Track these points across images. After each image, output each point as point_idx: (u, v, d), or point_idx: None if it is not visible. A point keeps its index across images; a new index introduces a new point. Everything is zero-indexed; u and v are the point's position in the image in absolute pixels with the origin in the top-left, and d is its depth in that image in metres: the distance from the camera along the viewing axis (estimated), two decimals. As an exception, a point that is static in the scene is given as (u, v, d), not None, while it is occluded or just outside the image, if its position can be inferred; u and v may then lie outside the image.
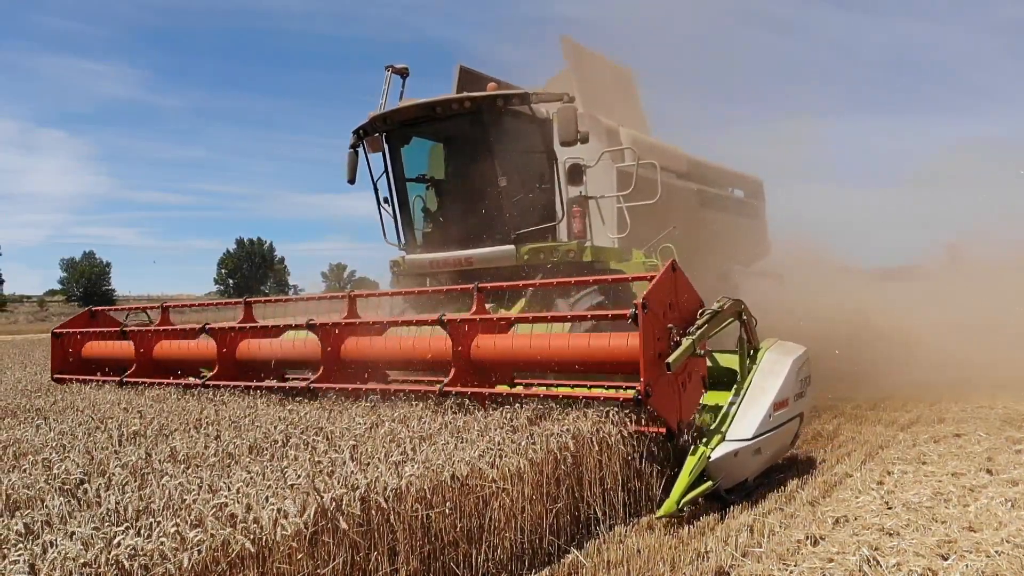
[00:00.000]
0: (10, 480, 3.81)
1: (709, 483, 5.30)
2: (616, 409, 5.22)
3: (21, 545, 2.82)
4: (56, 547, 2.75)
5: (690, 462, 5.27)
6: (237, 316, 7.94)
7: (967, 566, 4.14)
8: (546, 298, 8.25)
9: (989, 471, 6.29)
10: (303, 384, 6.70)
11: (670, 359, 5.11)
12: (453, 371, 6.03)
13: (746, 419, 5.60)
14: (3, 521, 3.16)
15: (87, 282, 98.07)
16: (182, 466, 4.18)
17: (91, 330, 8.98)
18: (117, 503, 3.35)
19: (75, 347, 8.99)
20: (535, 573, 4.22)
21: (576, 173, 8.91)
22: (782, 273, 14.19)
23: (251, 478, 3.72)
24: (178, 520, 3.06)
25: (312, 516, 3.29)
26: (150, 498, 3.42)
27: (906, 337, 12.14)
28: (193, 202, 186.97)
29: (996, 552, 4.31)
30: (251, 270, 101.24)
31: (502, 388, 6.09)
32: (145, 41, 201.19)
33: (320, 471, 3.80)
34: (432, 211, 9.65)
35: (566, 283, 6.70)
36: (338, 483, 3.57)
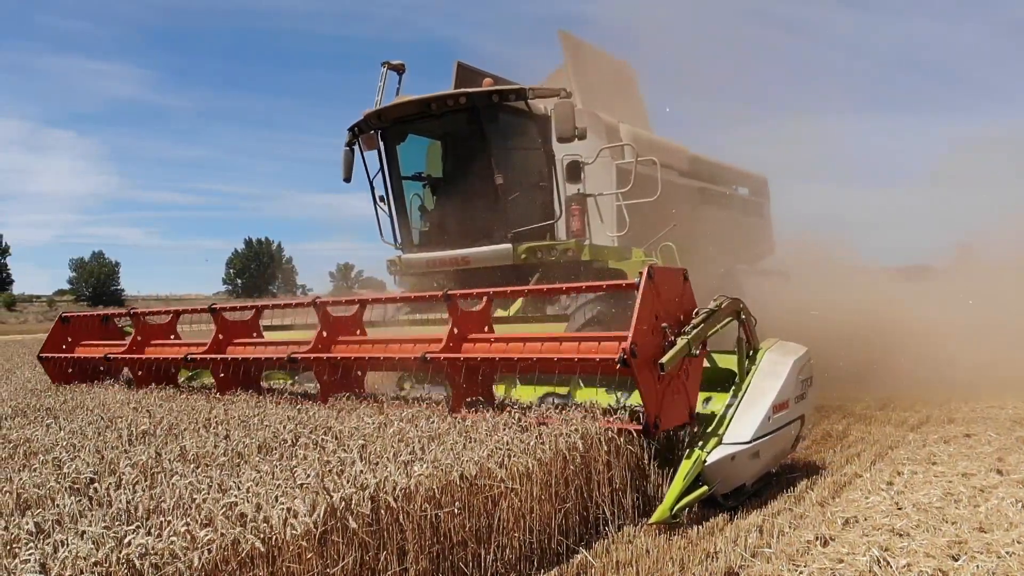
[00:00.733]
0: (21, 479, 3.83)
1: (704, 488, 5.11)
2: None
3: (32, 544, 2.83)
4: (67, 546, 2.76)
5: (685, 466, 5.09)
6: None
7: (978, 567, 4.12)
8: (542, 299, 8.11)
9: (999, 471, 6.27)
10: (286, 354, 6.67)
11: (664, 359, 4.93)
12: (444, 342, 5.96)
13: (744, 422, 5.41)
14: (14, 520, 3.17)
15: (96, 282, 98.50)
16: (192, 465, 4.19)
17: (73, 356, 8.87)
18: (127, 502, 3.36)
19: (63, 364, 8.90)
20: (544, 573, 4.21)
21: (574, 170, 8.76)
22: (787, 272, 14.07)
23: (261, 477, 3.73)
24: (188, 519, 3.07)
25: (321, 515, 3.29)
26: (160, 497, 3.43)
27: (914, 337, 12.08)
28: (201, 202, 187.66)
29: (1007, 553, 4.28)
30: (259, 270, 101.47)
31: (483, 348, 6.03)
32: (152, 41, 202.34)
33: (329, 470, 3.81)
34: (428, 210, 9.54)
35: (556, 290, 6.42)
36: (347, 483, 3.57)
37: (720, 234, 11.79)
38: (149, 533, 2.93)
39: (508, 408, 5.56)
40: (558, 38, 11.02)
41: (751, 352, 5.93)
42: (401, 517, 3.62)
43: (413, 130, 9.34)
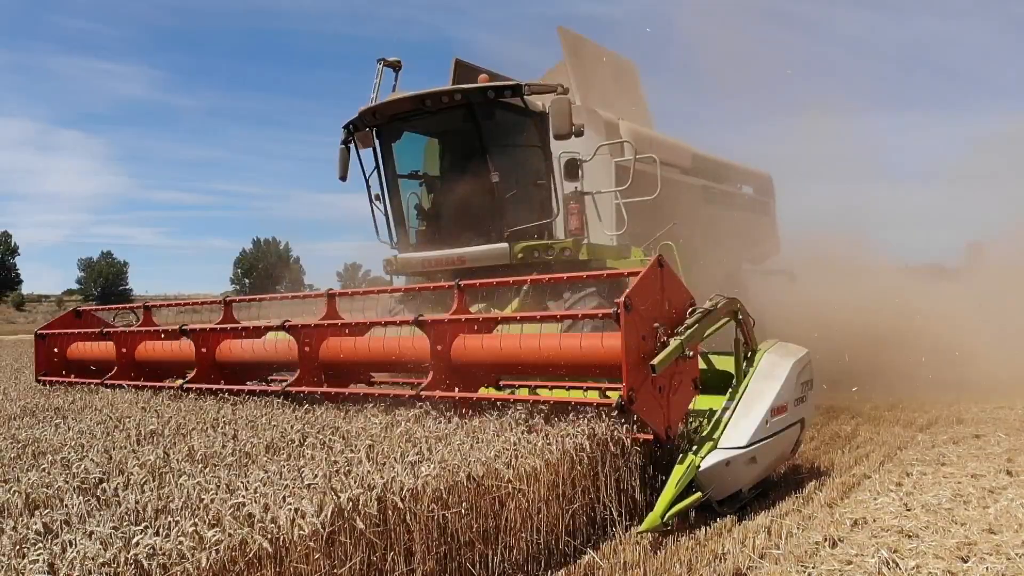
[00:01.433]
0: (29, 479, 3.83)
1: (698, 495, 4.95)
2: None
3: (41, 544, 2.84)
4: (75, 546, 2.77)
5: (677, 472, 4.91)
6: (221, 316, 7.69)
7: (987, 568, 4.10)
8: (542, 297, 8.05)
9: (1009, 472, 6.24)
10: (280, 388, 6.49)
11: (655, 360, 4.76)
12: (431, 375, 5.73)
13: (740, 425, 5.26)
14: (23, 520, 3.18)
15: (105, 281, 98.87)
16: (200, 465, 4.19)
17: (76, 331, 8.83)
18: (136, 502, 3.36)
19: (60, 348, 8.87)
20: (551, 574, 4.21)
21: (572, 168, 8.63)
22: (793, 271, 13.99)
23: (268, 478, 3.73)
24: (196, 519, 3.07)
25: (329, 516, 3.29)
26: (168, 497, 3.44)
27: (924, 337, 12.03)
28: (209, 202, 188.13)
29: (1017, 554, 4.26)
30: (266, 269, 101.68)
31: (485, 393, 5.81)
32: (161, 42, 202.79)
33: (337, 471, 3.81)
34: (424, 208, 9.42)
35: (558, 279, 6.27)
36: (355, 483, 3.57)
37: (724, 233, 11.67)
38: (157, 533, 2.93)
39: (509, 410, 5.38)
40: (557, 34, 10.84)
41: (749, 353, 5.80)
42: (408, 517, 3.62)
43: (408, 127, 9.21)
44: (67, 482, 3.83)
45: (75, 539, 2.85)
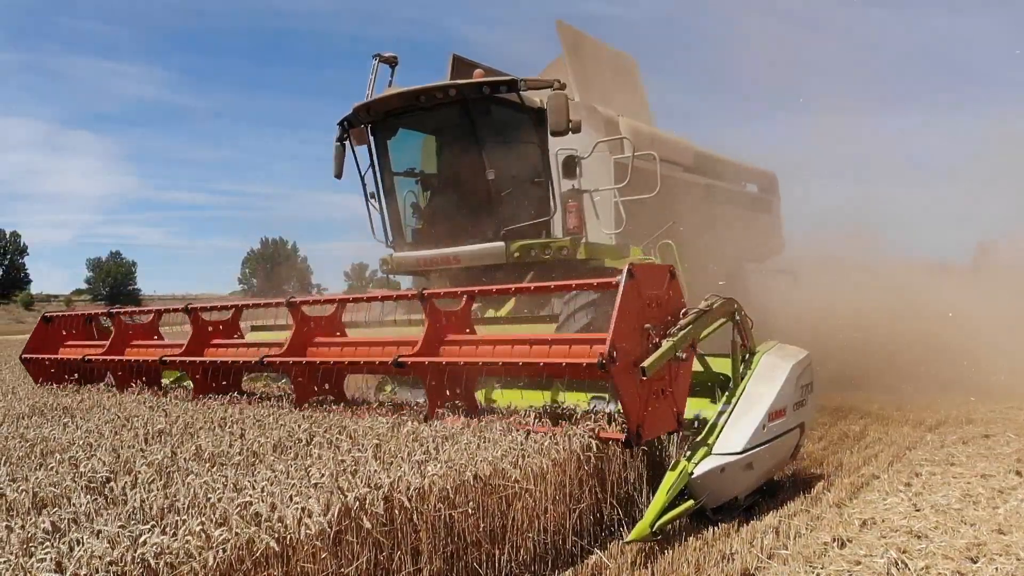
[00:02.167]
0: (37, 478, 3.84)
1: (690, 503, 4.77)
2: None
3: (48, 543, 2.84)
4: (82, 545, 2.77)
5: (669, 479, 4.73)
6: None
7: (997, 569, 4.08)
8: (536, 299, 7.91)
9: (1019, 472, 6.21)
10: (258, 358, 6.51)
11: (646, 363, 4.55)
12: (420, 344, 5.69)
13: (737, 430, 5.07)
14: (31, 519, 3.18)
15: (113, 281, 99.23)
16: (207, 464, 4.20)
17: (58, 357, 8.74)
18: (143, 501, 3.37)
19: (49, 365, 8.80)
20: (558, 574, 4.20)
21: (570, 165, 8.45)
22: (797, 271, 13.85)
23: (275, 477, 3.73)
24: (203, 518, 3.07)
25: (336, 515, 3.28)
26: (175, 496, 3.44)
27: (929, 337, 11.96)
28: (218, 202, 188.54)
29: (1027, 556, 4.24)
30: (274, 269, 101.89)
31: (462, 352, 5.74)
32: (170, 42, 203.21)
33: (344, 470, 3.81)
34: (419, 206, 9.29)
35: (544, 288, 6.05)
36: (361, 482, 3.57)
37: (726, 232, 11.42)
38: (164, 532, 2.93)
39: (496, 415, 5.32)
40: (556, 28, 10.61)
41: (747, 355, 5.63)
42: (415, 517, 3.61)
43: (403, 124, 9.05)
44: (75, 481, 3.84)
45: (82, 538, 2.85)
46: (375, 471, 3.78)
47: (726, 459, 4.93)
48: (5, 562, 2.68)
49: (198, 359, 7.19)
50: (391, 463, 4.01)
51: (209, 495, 3.40)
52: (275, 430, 5.09)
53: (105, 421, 5.72)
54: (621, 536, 4.62)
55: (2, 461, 4.49)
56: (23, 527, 3.05)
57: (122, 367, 7.92)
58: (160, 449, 4.52)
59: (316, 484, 3.56)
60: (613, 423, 4.93)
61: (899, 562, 4.15)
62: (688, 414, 5.21)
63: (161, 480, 3.82)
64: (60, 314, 9.53)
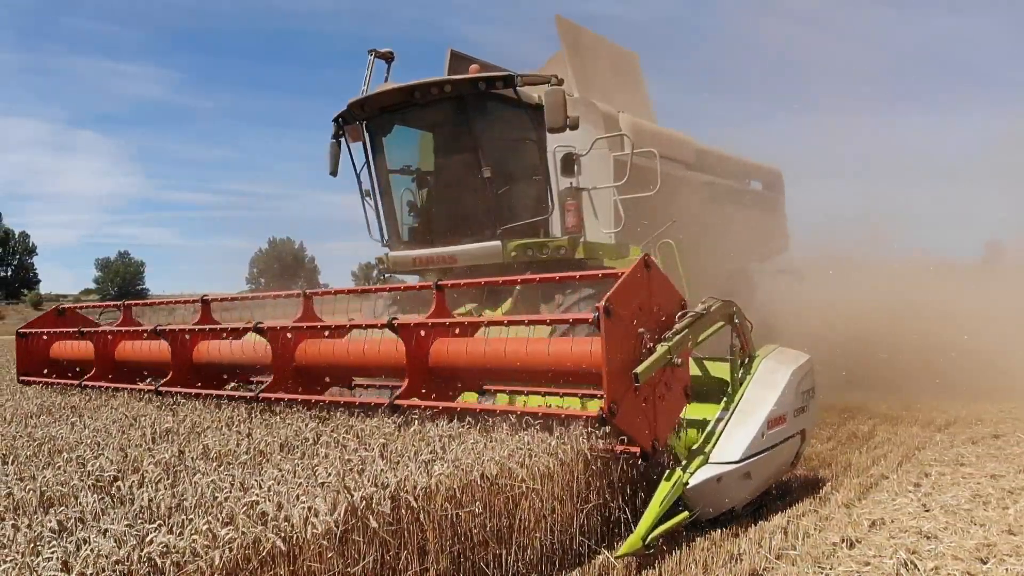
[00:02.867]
0: (44, 477, 3.85)
1: (685, 514, 4.62)
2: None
3: (55, 542, 2.84)
4: (89, 544, 2.77)
5: (663, 489, 4.56)
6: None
7: (1007, 570, 4.05)
8: (535, 298, 7.80)
9: (1029, 473, 6.17)
10: (251, 395, 6.22)
11: (638, 369, 4.42)
12: (407, 382, 5.46)
13: (734, 438, 4.92)
14: (38, 518, 3.19)
15: (122, 281, 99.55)
16: (214, 464, 4.20)
17: (57, 329, 8.67)
18: (150, 500, 3.37)
19: (41, 348, 8.75)
20: (566, 574, 4.19)
21: (569, 163, 8.29)
22: (804, 270, 13.74)
23: (282, 476, 3.73)
24: (210, 518, 3.07)
25: (342, 515, 3.28)
26: (182, 496, 3.44)
27: (932, 337, 11.90)
28: (225, 202, 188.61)
29: (1038, 557, 4.21)
30: (281, 269, 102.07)
31: (465, 402, 5.52)
32: (176, 43, 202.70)
33: (350, 469, 3.80)
34: (415, 205, 9.17)
35: (549, 279, 5.79)
36: (368, 482, 3.56)
37: (730, 230, 11.23)
38: (171, 531, 2.94)
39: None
40: (555, 23, 10.38)
41: (746, 360, 5.47)
42: (422, 516, 3.61)
43: (398, 120, 8.93)
44: (82, 480, 3.85)
45: (89, 537, 2.85)
46: (382, 470, 3.77)
47: (723, 468, 4.80)
48: (12, 561, 2.68)
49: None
50: (398, 462, 4.01)
51: (216, 494, 3.40)
52: (282, 429, 5.09)
53: (113, 420, 5.74)
54: (629, 536, 4.60)
55: (10, 460, 4.52)
56: (30, 526, 3.06)
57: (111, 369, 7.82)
58: (167, 448, 4.52)
59: (323, 483, 3.55)
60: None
61: (908, 563, 4.13)
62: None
63: (168, 479, 3.83)
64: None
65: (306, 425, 5.18)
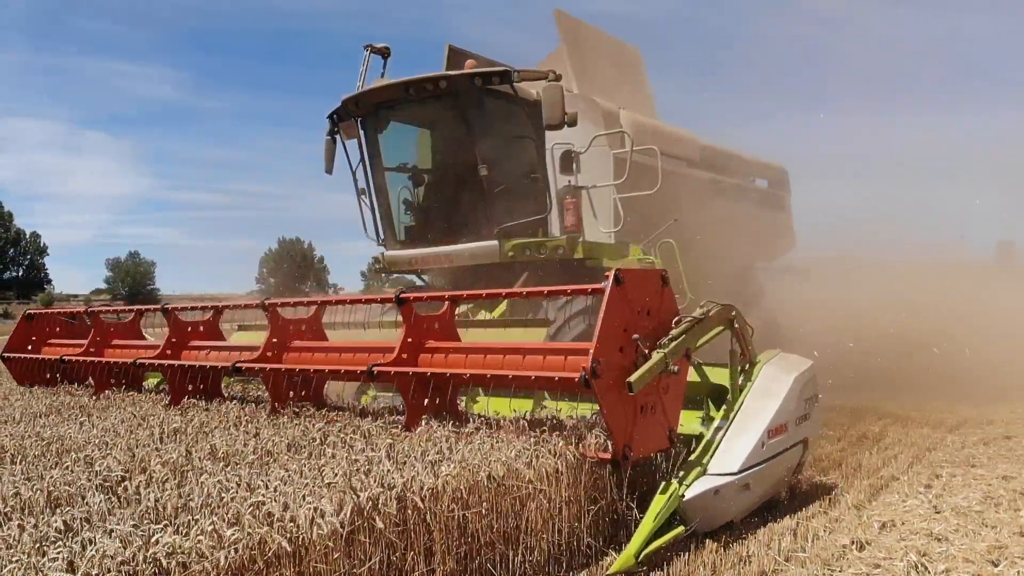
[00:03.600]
0: (52, 477, 3.85)
1: (681, 528, 4.43)
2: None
3: (61, 542, 2.84)
4: (95, 544, 2.77)
5: (657, 502, 4.38)
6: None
7: (1018, 572, 4.02)
8: (531, 302, 7.52)
9: (1041, 475, 6.12)
10: (231, 364, 6.17)
11: (632, 378, 4.17)
12: (396, 351, 5.32)
13: (733, 449, 4.72)
14: (44, 518, 3.19)
15: (132, 281, 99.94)
16: (221, 464, 4.20)
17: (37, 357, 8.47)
18: (156, 501, 3.37)
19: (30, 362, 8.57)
20: (573, 575, 4.17)
21: (568, 161, 8.09)
22: (810, 269, 13.61)
23: (289, 476, 3.73)
24: (216, 518, 3.06)
25: (348, 515, 3.27)
26: (189, 496, 3.44)
27: (940, 337, 11.82)
28: (234, 202, 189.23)
29: (1050, 559, 4.17)
30: (291, 269, 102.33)
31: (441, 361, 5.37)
32: (185, 43, 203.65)
33: (357, 470, 3.79)
34: (411, 203, 9.02)
35: (537, 293, 5.42)
36: (374, 482, 3.56)
37: (734, 229, 10.94)
38: (177, 532, 2.93)
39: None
40: (554, 18, 10.20)
41: (746, 366, 5.26)
42: (428, 517, 3.60)
43: (394, 117, 8.77)
44: (89, 480, 3.85)
45: (95, 537, 2.85)
46: (388, 471, 3.76)
47: (721, 480, 4.61)
48: (18, 561, 2.68)
49: (175, 362, 6.92)
50: (404, 463, 3.99)
51: (222, 495, 3.40)
52: (289, 429, 5.08)
53: (121, 420, 5.74)
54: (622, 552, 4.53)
55: (18, 459, 4.52)
56: (36, 526, 3.06)
57: (100, 368, 7.64)
58: (175, 448, 4.52)
59: (329, 484, 3.55)
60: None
61: (919, 565, 4.10)
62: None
63: (175, 479, 3.83)
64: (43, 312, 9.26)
65: (313, 425, 5.17)
